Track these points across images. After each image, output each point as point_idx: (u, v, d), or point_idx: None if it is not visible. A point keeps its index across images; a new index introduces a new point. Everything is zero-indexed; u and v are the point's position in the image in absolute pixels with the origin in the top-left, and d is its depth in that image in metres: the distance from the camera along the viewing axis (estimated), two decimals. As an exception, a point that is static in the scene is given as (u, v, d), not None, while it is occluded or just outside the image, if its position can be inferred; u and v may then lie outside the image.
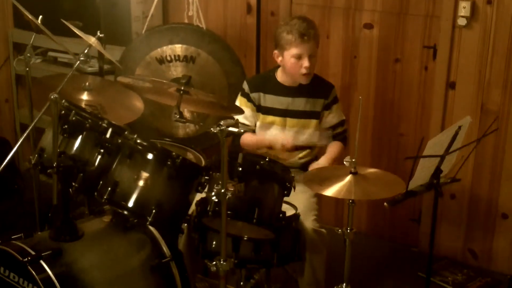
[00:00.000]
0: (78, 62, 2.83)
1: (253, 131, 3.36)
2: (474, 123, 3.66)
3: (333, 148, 3.34)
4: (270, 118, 3.32)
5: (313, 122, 3.31)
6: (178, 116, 2.53)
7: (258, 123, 3.35)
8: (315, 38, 3.19)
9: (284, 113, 3.29)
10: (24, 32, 4.52)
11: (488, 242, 3.86)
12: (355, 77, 4.07)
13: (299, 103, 3.28)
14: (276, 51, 3.25)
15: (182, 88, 2.53)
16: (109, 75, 4.10)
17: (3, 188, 4.40)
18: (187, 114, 3.85)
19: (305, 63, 3.16)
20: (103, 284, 2.60)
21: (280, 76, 3.31)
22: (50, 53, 4.58)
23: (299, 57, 3.16)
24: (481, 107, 3.69)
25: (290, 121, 3.29)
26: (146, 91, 2.93)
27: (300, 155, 3.33)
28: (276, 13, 4.19)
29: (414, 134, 3.96)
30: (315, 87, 3.29)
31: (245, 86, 3.35)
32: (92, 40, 2.96)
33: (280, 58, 3.24)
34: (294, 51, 3.16)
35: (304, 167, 3.32)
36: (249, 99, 3.32)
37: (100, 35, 3.06)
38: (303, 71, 3.17)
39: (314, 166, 3.19)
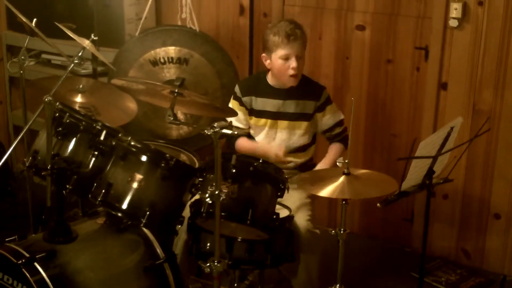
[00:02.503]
0: (72, 65, 2.83)
1: (248, 134, 3.37)
2: (466, 124, 3.68)
3: (332, 151, 3.34)
4: (261, 120, 3.32)
5: (304, 124, 3.31)
6: (172, 118, 2.53)
7: (251, 125, 3.37)
8: (302, 38, 3.19)
9: (275, 116, 3.30)
10: (18, 35, 4.53)
11: (481, 242, 3.88)
12: (347, 78, 4.08)
13: (290, 105, 3.29)
14: (264, 54, 3.26)
15: (176, 90, 2.54)
16: (102, 77, 4.11)
17: (-4, 190, 4.41)
18: (180, 115, 3.86)
19: (293, 63, 3.16)
20: (97, 286, 2.61)
21: (270, 78, 3.32)
22: (44, 55, 4.58)
23: (286, 58, 3.16)
24: (473, 108, 3.71)
25: (281, 123, 3.30)
26: (140, 93, 2.94)
27: (295, 158, 3.33)
28: (268, 14, 4.21)
29: (406, 135, 3.98)
30: (306, 89, 3.29)
31: (237, 89, 3.36)
32: (86, 43, 2.96)
33: (268, 61, 3.25)
34: (281, 52, 3.16)
35: (301, 168, 3.33)
36: (241, 103, 3.33)
37: (94, 38, 3.06)
38: (291, 72, 3.17)
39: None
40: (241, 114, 3.31)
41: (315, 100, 3.29)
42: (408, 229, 4.09)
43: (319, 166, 3.28)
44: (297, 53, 3.15)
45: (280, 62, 3.18)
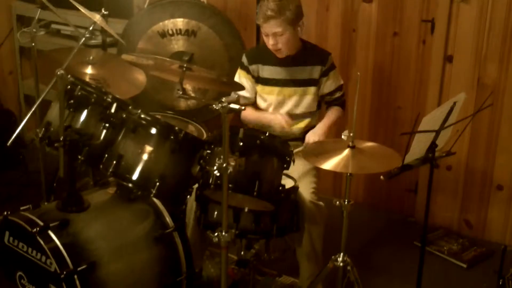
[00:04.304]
0: (84, 39, 2.87)
1: (253, 104, 3.43)
2: (470, 97, 3.72)
3: (332, 113, 3.43)
4: (268, 88, 3.38)
5: (312, 89, 3.37)
6: (181, 92, 2.58)
7: (257, 93, 3.43)
8: (283, 15, 3.16)
9: (282, 83, 3.35)
10: (27, 5, 4.56)
11: (483, 212, 3.95)
12: (354, 50, 4.12)
13: (297, 72, 3.34)
14: None
15: (185, 65, 2.59)
16: (111, 47, 4.15)
17: (8, 158, 4.48)
18: (188, 87, 3.90)
19: (270, 40, 3.23)
20: (108, 253, 2.68)
21: None
22: (54, 26, 4.62)
23: (266, 35, 3.23)
24: (477, 81, 3.75)
25: (288, 90, 3.36)
26: (150, 68, 2.98)
27: (302, 125, 3.40)
28: (276, -14, 4.22)
29: (411, 107, 4.02)
30: (312, 55, 3.35)
31: (244, 59, 3.41)
32: (97, 17, 3.00)
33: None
34: (262, 29, 3.24)
35: (306, 134, 3.39)
36: (248, 71, 3.39)
37: (105, 13, 3.10)
38: (271, 47, 3.25)
39: (311, 135, 3.28)
40: (248, 83, 3.37)
41: (321, 65, 3.36)
42: (412, 200, 4.16)
43: (319, 127, 3.34)
44: (274, 31, 3.19)
45: (264, 38, 3.26)
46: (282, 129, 3.26)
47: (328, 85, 3.40)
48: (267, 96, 3.39)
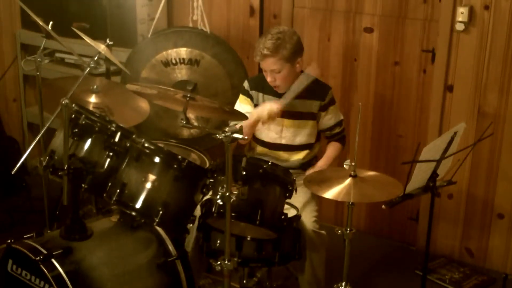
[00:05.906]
0: (88, 69, 2.91)
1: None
2: (471, 126, 3.75)
3: (331, 150, 3.45)
4: None
5: (310, 123, 3.40)
6: (184, 122, 2.61)
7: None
8: (277, 53, 3.19)
9: (281, 114, 3.38)
10: (32, 33, 4.60)
11: (484, 241, 3.95)
12: (355, 79, 4.15)
13: (296, 105, 3.35)
14: None
15: (189, 95, 2.62)
16: (115, 75, 4.18)
17: (11, 185, 4.50)
18: (191, 115, 3.93)
19: (268, 77, 3.28)
20: (111, 281, 2.70)
21: None
22: (58, 54, 4.65)
23: (265, 71, 3.28)
24: (478, 110, 3.78)
25: (287, 121, 3.37)
26: (154, 97, 3.01)
27: (300, 156, 3.43)
28: (278, 15, 4.27)
29: (412, 136, 4.05)
30: (312, 89, 3.36)
31: (246, 84, 3.45)
32: (102, 47, 3.04)
33: None
34: (261, 65, 3.30)
35: (304, 167, 3.41)
36: (248, 95, 3.41)
37: (110, 43, 3.14)
38: (269, 83, 3.29)
39: (311, 171, 3.29)
40: (248, 107, 3.38)
41: (320, 100, 3.37)
42: (414, 228, 4.17)
43: (318, 166, 3.37)
44: (271, 68, 3.23)
45: (264, 72, 3.31)
46: (272, 115, 3.20)
47: (327, 120, 3.42)
48: (266, 126, 3.41)
